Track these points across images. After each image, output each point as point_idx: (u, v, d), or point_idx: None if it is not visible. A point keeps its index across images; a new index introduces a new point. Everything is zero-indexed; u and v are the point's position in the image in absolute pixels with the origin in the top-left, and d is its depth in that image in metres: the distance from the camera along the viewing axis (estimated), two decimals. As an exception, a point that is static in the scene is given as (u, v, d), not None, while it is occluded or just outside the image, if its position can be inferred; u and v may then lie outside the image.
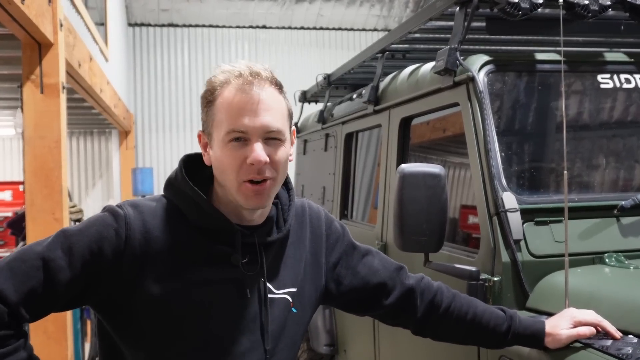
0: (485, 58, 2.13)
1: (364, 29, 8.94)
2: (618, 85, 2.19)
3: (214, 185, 1.33)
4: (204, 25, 8.59)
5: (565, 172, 1.60)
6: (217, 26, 8.63)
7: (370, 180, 3.39)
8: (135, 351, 1.28)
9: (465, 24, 2.15)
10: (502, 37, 2.64)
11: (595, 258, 1.87)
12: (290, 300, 1.39)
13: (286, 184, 1.43)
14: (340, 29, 8.92)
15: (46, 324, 3.02)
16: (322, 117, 4.18)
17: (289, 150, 1.31)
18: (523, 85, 2.14)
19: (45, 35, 2.81)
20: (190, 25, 8.57)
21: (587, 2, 2.11)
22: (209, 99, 1.28)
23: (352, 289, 1.51)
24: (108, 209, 1.27)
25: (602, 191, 2.05)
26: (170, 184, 1.33)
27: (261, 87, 1.25)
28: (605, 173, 2.11)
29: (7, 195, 7.55)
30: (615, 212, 1.94)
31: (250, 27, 8.72)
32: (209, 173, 1.34)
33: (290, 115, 1.34)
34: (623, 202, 1.93)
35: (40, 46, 2.90)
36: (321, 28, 8.91)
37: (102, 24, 5.74)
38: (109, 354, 1.34)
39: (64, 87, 3.01)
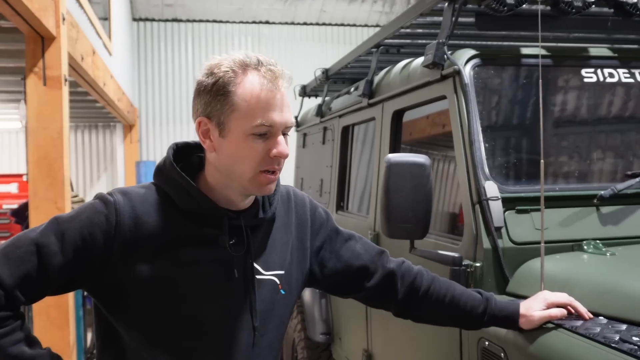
0: (472, 52, 2.19)
1: (366, 25, 8.99)
2: (602, 79, 2.25)
3: (203, 172, 1.39)
4: (207, 21, 8.65)
5: (542, 161, 1.66)
6: (221, 21, 8.69)
7: (366, 172, 3.45)
8: (129, 331, 1.33)
9: (453, 19, 2.21)
10: (496, 32, 2.69)
11: (575, 245, 1.92)
12: (278, 282, 1.43)
13: None
14: (342, 24, 8.97)
15: (49, 310, 3.10)
16: (321, 111, 4.25)
17: None
18: (508, 79, 2.20)
19: (47, 29, 2.88)
20: (194, 21, 8.63)
21: (571, -1, 2.18)
22: (226, 88, 1.27)
23: (335, 272, 1.57)
24: (98, 196, 1.32)
25: (584, 181, 2.11)
26: (159, 170, 1.38)
27: (281, 83, 1.29)
28: (587, 164, 2.17)
29: (13, 187, 7.63)
30: (595, 201, 2.00)
31: (254, 22, 8.78)
32: (196, 160, 1.41)
33: None
34: (602, 192, 1.99)
35: (43, 39, 2.97)
36: (324, 24, 8.96)
37: (106, 18, 5.81)
38: (105, 335, 1.39)
39: (66, 80, 3.08)
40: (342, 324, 3.50)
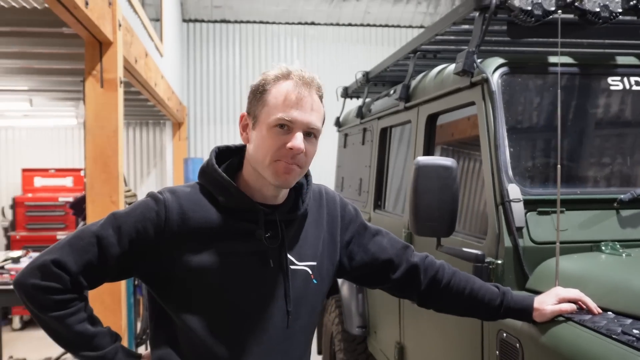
0: (500, 61, 2.29)
1: (410, 26, 9.05)
2: (628, 87, 2.33)
3: (241, 171, 1.56)
4: (254, 22, 8.86)
5: (559, 166, 1.77)
6: (267, 22, 8.89)
7: (402, 173, 3.58)
8: (178, 314, 1.49)
9: (483, 27, 2.32)
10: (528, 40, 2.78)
11: (593, 246, 2.02)
12: (310, 272, 1.58)
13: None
14: (387, 25, 9.04)
15: (103, 297, 3.34)
16: (361, 113, 4.39)
17: (317, 147, 1.54)
18: (533, 86, 2.30)
19: (105, 35, 3.10)
20: (241, 22, 8.86)
21: (598, 10, 2.26)
22: (264, 88, 1.47)
23: (363, 264, 1.71)
24: (150, 195, 1.50)
25: (605, 185, 2.20)
26: (203, 171, 1.54)
27: (312, 92, 1.47)
28: (609, 169, 2.26)
29: (68, 181, 8.02)
30: (615, 204, 2.09)
31: (299, 23, 8.95)
32: (236, 162, 1.58)
33: (324, 120, 1.56)
34: (622, 196, 2.08)
35: (101, 44, 3.19)
36: (368, 25, 9.05)
37: (157, 19, 6.08)
38: (158, 318, 1.55)
39: (121, 82, 3.31)
40: (378, 318, 3.64)
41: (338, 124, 5.30)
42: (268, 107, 1.46)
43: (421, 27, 9.02)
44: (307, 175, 1.65)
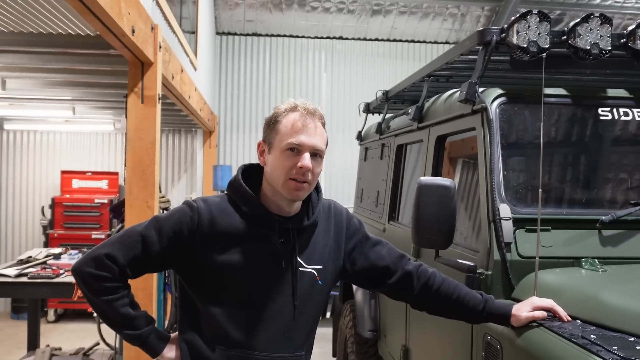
0: (499, 91, 2.53)
1: (435, 42, 9.27)
2: (616, 117, 2.55)
3: (262, 186, 1.85)
4: (284, 35, 9.19)
5: (540, 190, 2.02)
6: (297, 36, 9.20)
7: (414, 189, 3.81)
8: (203, 302, 1.79)
9: (485, 60, 2.56)
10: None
11: (575, 262, 2.24)
12: (316, 274, 1.86)
13: (316, 188, 1.94)
14: (412, 41, 9.28)
15: (136, 292, 3.59)
16: (380, 129, 4.64)
17: (322, 166, 1.83)
18: (528, 115, 2.53)
19: (147, 57, 3.41)
20: (272, 35, 9.19)
21: (588, 47, 2.49)
22: (276, 119, 1.80)
23: (363, 269, 1.98)
24: (186, 203, 1.82)
25: (589, 207, 2.42)
26: (231, 184, 1.86)
27: (315, 120, 1.78)
28: (593, 192, 2.48)
29: (103, 184, 8.43)
30: (597, 225, 2.32)
31: (328, 37, 9.24)
32: (259, 177, 1.87)
33: (327, 143, 1.85)
34: (604, 217, 2.30)
35: (143, 65, 3.52)
36: (394, 40, 9.30)
37: (193, 32, 6.43)
38: (185, 305, 1.87)
39: (159, 98, 3.63)
40: (387, 323, 3.88)
41: (360, 137, 5.57)
42: (280, 135, 1.76)
43: (446, 42, 9.24)
44: (319, 192, 1.93)
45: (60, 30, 3.34)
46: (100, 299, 1.74)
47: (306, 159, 1.74)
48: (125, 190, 3.59)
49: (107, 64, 3.96)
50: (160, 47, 3.61)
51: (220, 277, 1.76)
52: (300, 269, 1.84)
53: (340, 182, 9.14)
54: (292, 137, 1.74)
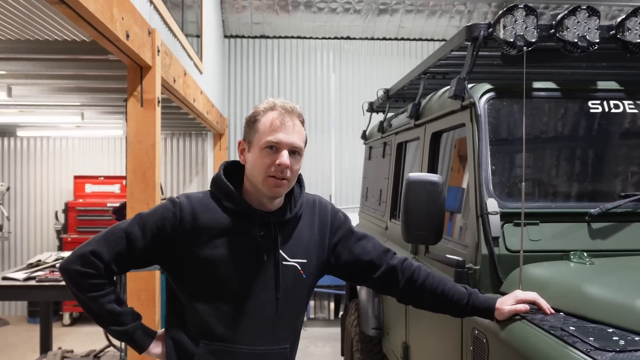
0: (487, 87, 2.54)
1: (443, 40, 9.23)
2: (606, 110, 2.54)
3: (244, 183, 1.88)
4: (292, 37, 9.23)
5: (523, 183, 2.03)
6: (305, 37, 9.24)
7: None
8: (188, 298, 1.82)
9: (474, 56, 2.56)
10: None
11: (564, 255, 2.24)
12: (300, 268, 1.88)
13: (299, 182, 1.96)
14: (420, 39, 9.27)
15: (139, 293, 3.70)
16: (382, 127, 4.65)
17: (301, 163, 1.85)
18: (516, 110, 2.53)
19: (145, 61, 3.46)
20: (279, 37, 9.24)
21: (576, 40, 2.48)
22: (255, 118, 1.83)
23: (347, 263, 1.99)
24: (169, 199, 1.85)
25: (578, 200, 2.41)
26: (213, 181, 1.89)
27: (293, 118, 1.81)
28: (582, 185, 2.47)
29: (115, 188, 8.53)
30: (586, 218, 2.31)
31: (335, 38, 9.26)
32: (241, 174, 1.89)
33: (306, 141, 1.87)
34: (592, 210, 2.30)
35: (142, 69, 3.56)
36: (402, 39, 9.29)
37: (198, 36, 6.48)
38: (172, 301, 1.90)
39: (159, 102, 3.67)
40: (390, 321, 3.89)
41: (364, 137, 5.58)
42: (259, 133, 1.79)
43: (455, 40, 9.18)
44: (302, 186, 1.96)
45: (56, 37, 3.40)
46: (87, 296, 1.78)
47: (284, 157, 1.76)
48: (127, 193, 3.64)
49: (108, 69, 4.02)
50: (158, 51, 3.65)
51: (203, 272, 1.79)
52: (284, 262, 1.86)
53: (350, 182, 9.14)
54: (270, 135, 1.77)
